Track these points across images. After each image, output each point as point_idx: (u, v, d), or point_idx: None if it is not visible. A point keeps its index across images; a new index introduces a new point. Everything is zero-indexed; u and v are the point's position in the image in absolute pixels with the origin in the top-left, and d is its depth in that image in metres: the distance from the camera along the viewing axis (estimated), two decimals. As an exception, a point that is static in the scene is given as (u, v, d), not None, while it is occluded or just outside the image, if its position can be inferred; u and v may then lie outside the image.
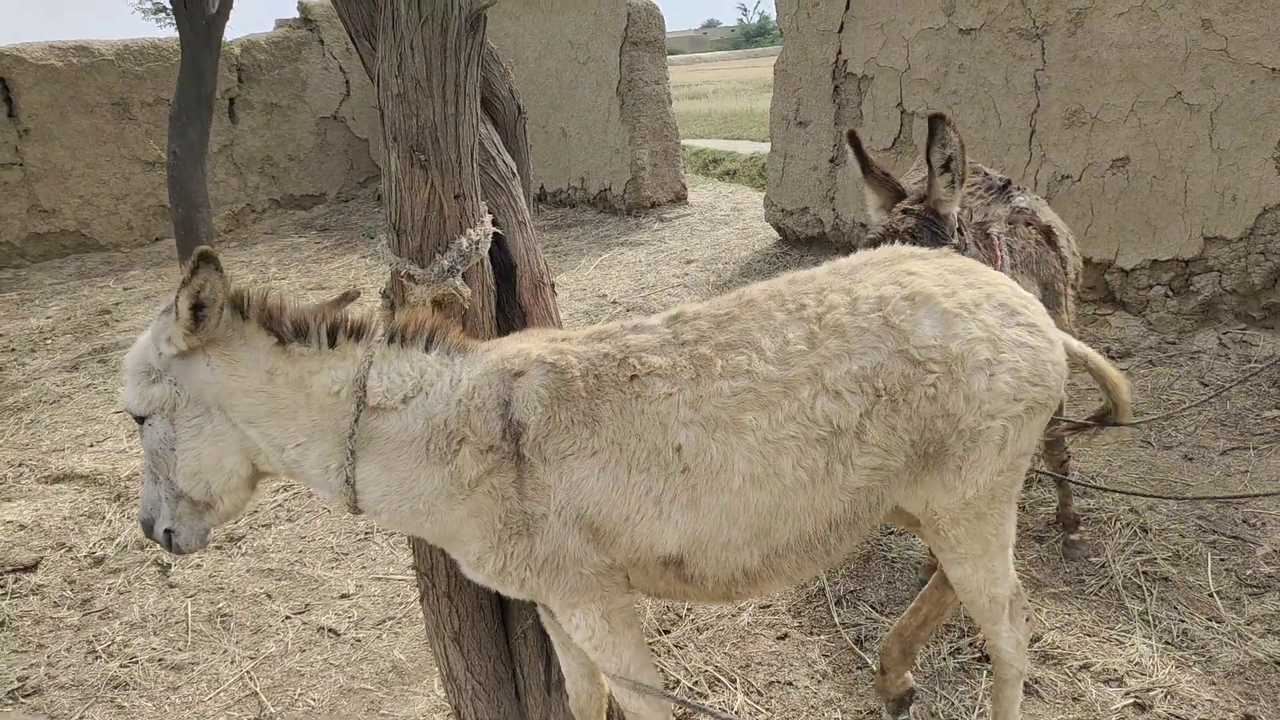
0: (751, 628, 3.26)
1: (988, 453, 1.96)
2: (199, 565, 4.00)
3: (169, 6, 7.84)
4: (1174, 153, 4.92)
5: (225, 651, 3.41)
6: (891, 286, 1.95)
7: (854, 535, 2.04)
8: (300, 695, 3.15)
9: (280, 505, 4.47)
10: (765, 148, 13.55)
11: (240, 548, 4.12)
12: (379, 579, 3.80)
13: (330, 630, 3.48)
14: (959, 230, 2.54)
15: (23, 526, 4.43)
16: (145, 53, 10.69)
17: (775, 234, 7.98)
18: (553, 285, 2.57)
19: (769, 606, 3.35)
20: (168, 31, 10.76)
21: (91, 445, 5.42)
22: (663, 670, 3.06)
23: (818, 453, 1.89)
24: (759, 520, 1.93)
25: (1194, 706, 2.66)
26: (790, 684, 2.96)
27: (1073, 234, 3.39)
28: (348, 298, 2.24)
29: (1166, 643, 2.92)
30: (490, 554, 1.98)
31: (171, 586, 3.86)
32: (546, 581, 1.99)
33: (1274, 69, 4.49)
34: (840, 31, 6.87)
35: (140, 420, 2.01)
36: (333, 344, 1.99)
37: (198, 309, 1.88)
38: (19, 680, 3.33)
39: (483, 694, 2.61)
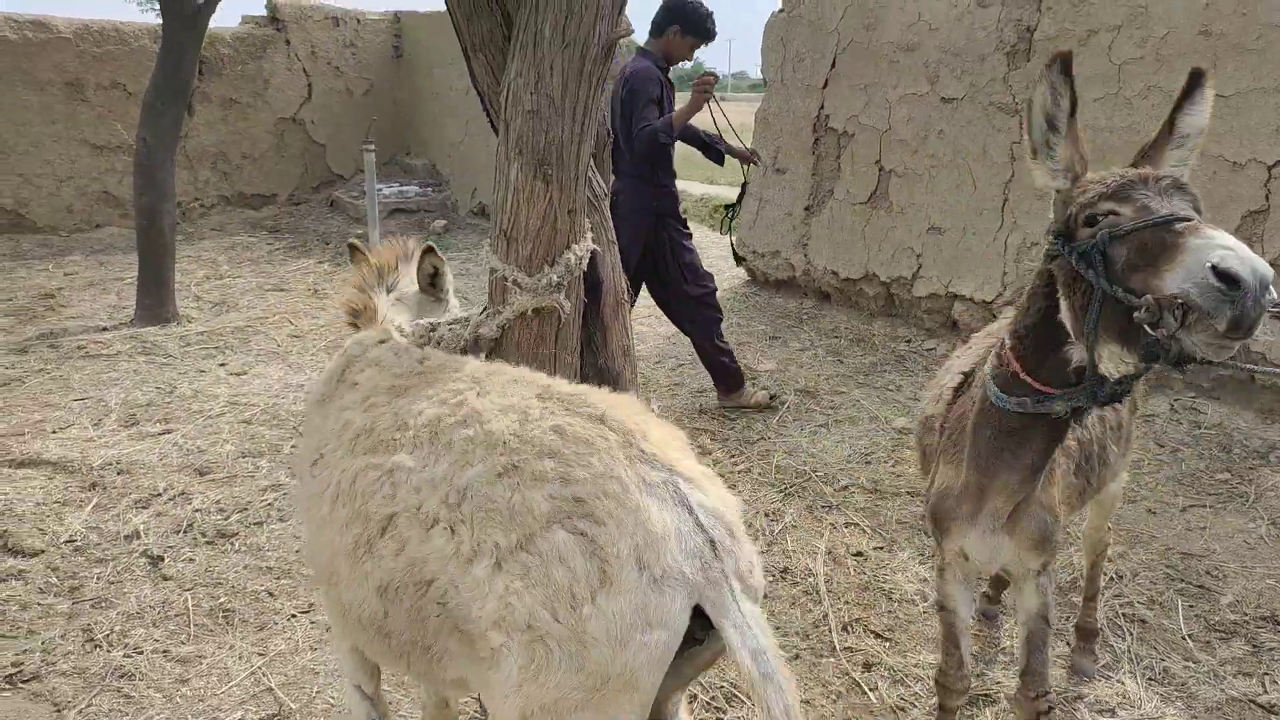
0: (763, 647, 3.38)
1: (506, 678, 1.50)
2: (192, 560, 3.92)
3: (155, -8, 7.69)
4: (1138, 230, 5.34)
5: (232, 647, 3.36)
6: (499, 414, 1.70)
7: (411, 661, 1.78)
8: (318, 693, 3.13)
9: (270, 505, 4.41)
10: (716, 190, 13.99)
11: (234, 544, 4.05)
12: (383, 583, 3.79)
13: (341, 631, 3.47)
14: None
15: (-9, 510, 4.27)
16: (106, 34, 10.39)
17: (744, 274, 8.23)
18: (629, 303, 2.69)
19: (779, 628, 3.49)
20: (134, 16, 10.49)
21: (54, 432, 5.23)
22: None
23: (354, 527, 1.78)
24: (325, 561, 1.94)
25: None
26: (808, 702, 3.10)
27: None
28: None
29: (1150, 679, 3.17)
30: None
31: (165, 579, 3.77)
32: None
33: (1234, 163, 4.95)
34: (824, 88, 7.21)
35: None
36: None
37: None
38: (14, 665, 3.21)
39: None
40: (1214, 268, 1.46)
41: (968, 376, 2.39)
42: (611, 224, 2.59)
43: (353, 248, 2.47)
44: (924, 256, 6.60)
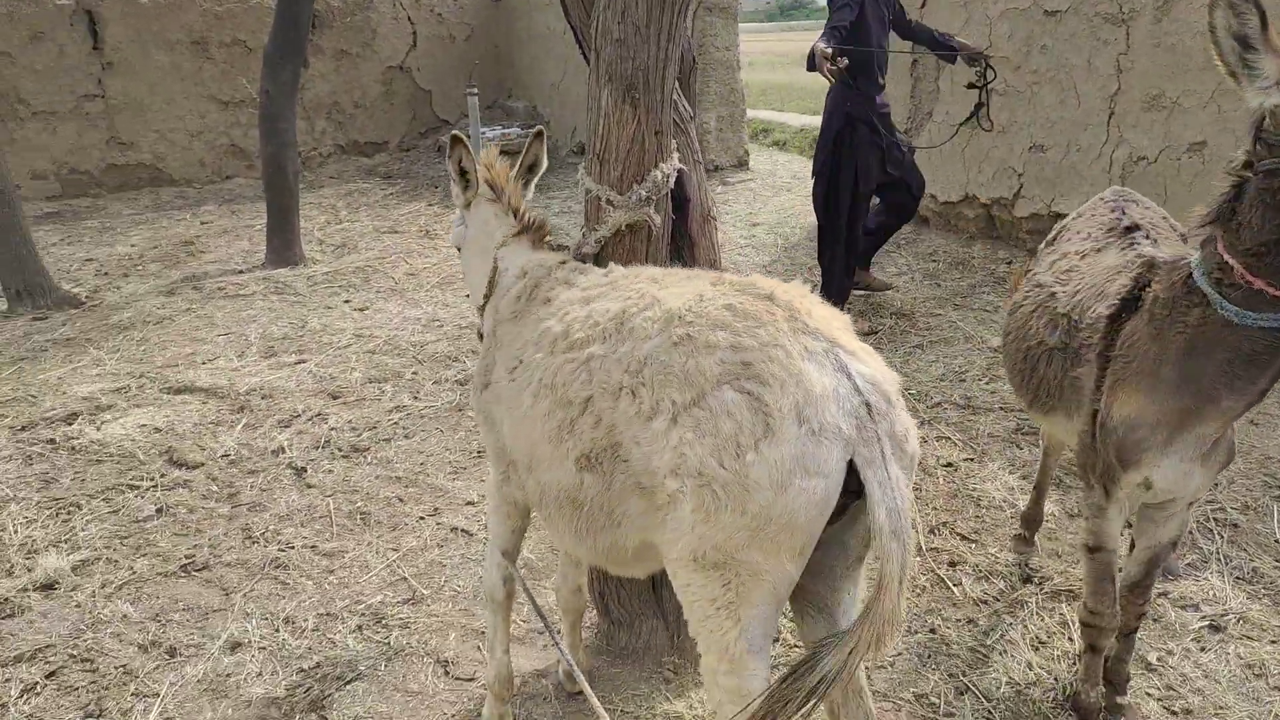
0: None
1: (681, 520, 1.70)
2: (330, 471, 4.36)
3: (270, -51, 8.09)
4: (1252, 139, 5.14)
5: (369, 544, 3.77)
6: (673, 299, 1.90)
7: (595, 530, 1.98)
8: (445, 582, 3.50)
9: (396, 424, 4.82)
10: (814, 120, 13.79)
11: (366, 458, 4.48)
12: (499, 491, 4.15)
13: (463, 530, 3.83)
14: None
15: (157, 429, 4.81)
16: (226, -7, 10.97)
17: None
18: (715, 220, 2.87)
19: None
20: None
21: (204, 363, 5.78)
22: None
23: (559, 413, 2.00)
24: (527, 450, 2.16)
25: (1264, 631, 2.97)
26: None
27: None
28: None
29: (1238, 578, 3.23)
30: (473, 391, 2.53)
31: (309, 487, 4.22)
32: (483, 432, 2.50)
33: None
34: (923, 7, 7.07)
35: (459, 249, 2.83)
36: (509, 214, 2.67)
37: (463, 174, 2.68)
38: (186, 558, 3.70)
39: (626, 582, 2.95)
40: None
41: (1127, 302, 2.32)
42: (697, 145, 2.76)
43: (456, 138, 2.66)
44: (1025, 176, 6.49)
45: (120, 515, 4.00)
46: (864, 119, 5.54)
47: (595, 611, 3.19)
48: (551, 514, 2.12)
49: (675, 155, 2.57)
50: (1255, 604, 3.09)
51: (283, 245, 8.07)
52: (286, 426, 4.84)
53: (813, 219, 8.38)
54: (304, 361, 5.75)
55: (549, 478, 2.07)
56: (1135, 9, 5.62)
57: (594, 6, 2.44)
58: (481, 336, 2.68)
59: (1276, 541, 3.40)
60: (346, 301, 7.02)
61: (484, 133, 11.04)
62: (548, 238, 2.66)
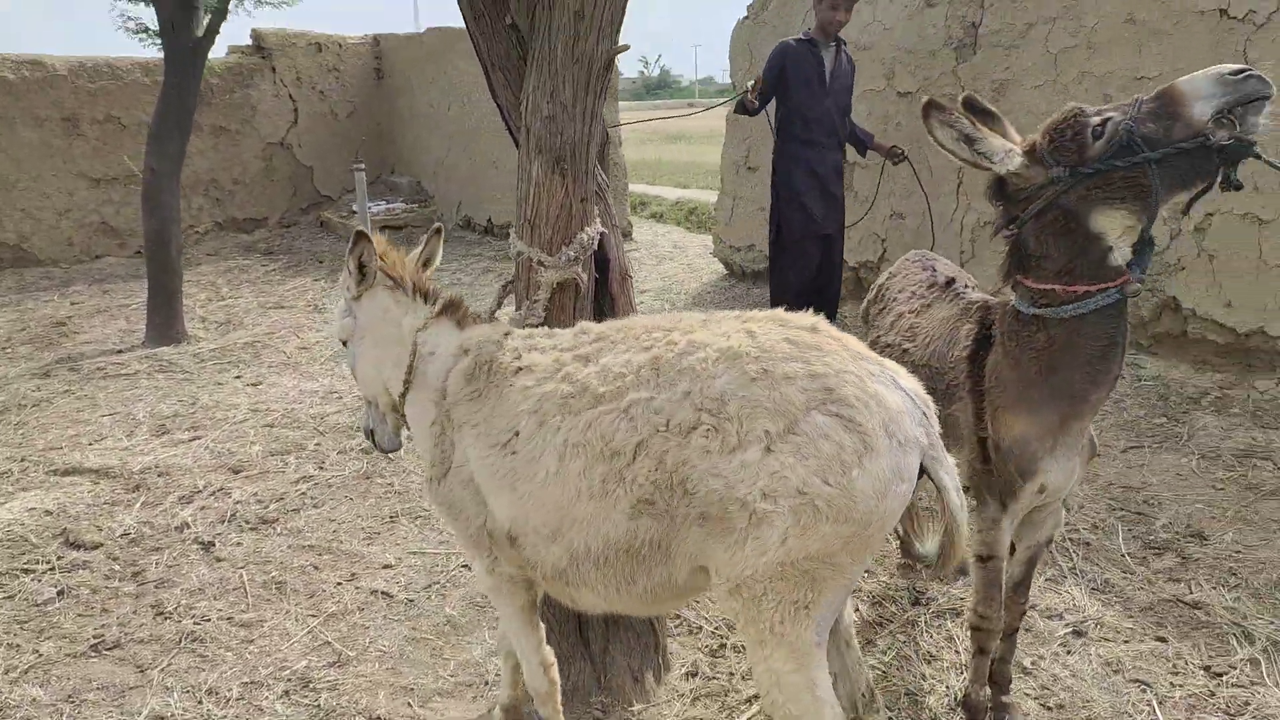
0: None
1: (769, 538, 1.85)
2: (239, 544, 4.33)
3: (153, 28, 8.09)
4: (1079, 205, 5.85)
5: (288, 612, 3.78)
6: (720, 338, 2.01)
7: (646, 573, 2.09)
8: (370, 644, 3.55)
9: (304, 494, 4.83)
10: (689, 193, 14.53)
11: (275, 529, 4.47)
12: (415, 553, 4.22)
13: (383, 593, 3.89)
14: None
15: (48, 512, 4.67)
16: (99, 70, 10.81)
17: (722, 268, 8.71)
18: (631, 279, 3.15)
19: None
20: (133, 49, 10.91)
21: (90, 444, 5.62)
22: (683, 618, 3.60)
23: (600, 467, 2.03)
24: (554, 516, 2.14)
25: (1118, 632, 3.38)
26: (799, 624, 3.55)
27: None
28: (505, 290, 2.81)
29: (1093, 589, 3.65)
30: (429, 483, 2.49)
31: (219, 560, 4.19)
32: (451, 522, 2.47)
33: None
34: (789, 89, 7.69)
35: (344, 344, 2.72)
36: (424, 299, 2.61)
37: (362, 268, 2.57)
38: (95, 637, 3.61)
39: (555, 625, 3.10)
40: (1219, 75, 2.06)
41: (979, 341, 2.65)
42: (613, 211, 3.04)
43: (361, 234, 2.57)
44: (888, 241, 7.09)
45: (17, 600, 3.87)
46: (801, 166, 5.88)
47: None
48: (586, 573, 2.14)
49: (598, 220, 2.83)
50: (1109, 610, 3.50)
51: (165, 323, 7.91)
52: (188, 502, 4.77)
53: (694, 285, 8.86)
54: (199, 438, 5.66)
55: (588, 535, 2.09)
56: (976, 90, 6.32)
57: (523, 88, 2.71)
58: (406, 424, 2.63)
59: (1123, 556, 3.86)
60: (237, 377, 6.95)
61: (370, 208, 11.13)
62: (469, 313, 2.67)
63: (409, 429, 2.67)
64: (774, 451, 1.83)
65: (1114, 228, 2.26)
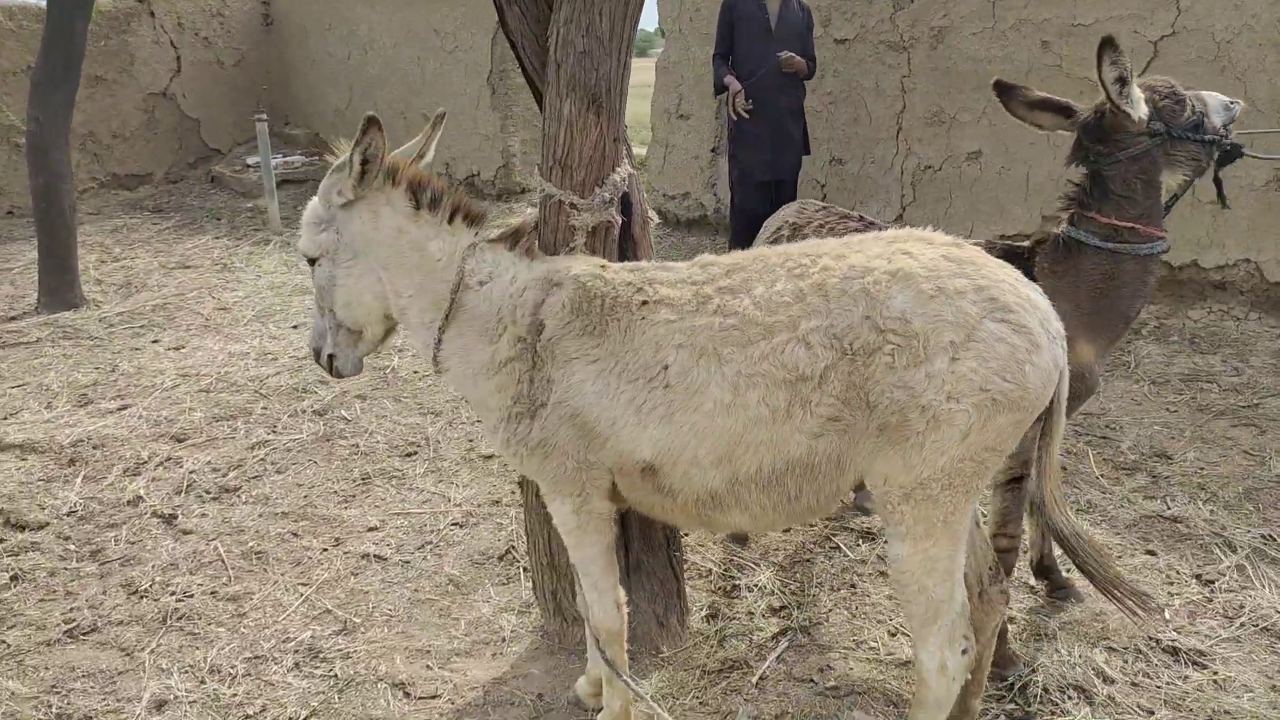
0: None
1: (949, 436, 2.00)
2: (204, 515, 4.06)
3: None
4: (1018, 148, 6.04)
5: (276, 582, 3.57)
6: (881, 260, 2.09)
7: (815, 489, 2.18)
8: (374, 609, 3.40)
9: (262, 460, 4.56)
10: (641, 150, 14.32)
11: (240, 497, 4.21)
12: (400, 514, 4.05)
13: (376, 556, 3.72)
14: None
15: (-25, 493, 4.26)
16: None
17: (656, 216, 8.62)
18: (650, 222, 3.05)
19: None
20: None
21: (5, 418, 5.15)
22: (691, 563, 3.58)
23: (782, 393, 2.08)
24: (724, 444, 2.16)
25: (1110, 548, 3.55)
26: (809, 560, 3.59)
27: None
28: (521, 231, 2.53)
29: (1077, 509, 3.82)
30: (501, 425, 2.37)
31: (186, 533, 3.91)
32: (537, 463, 2.37)
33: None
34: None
35: (311, 262, 2.47)
36: (450, 221, 2.42)
37: (366, 164, 2.30)
38: (66, 622, 3.33)
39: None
40: (1224, 102, 2.76)
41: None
42: (633, 154, 2.92)
43: (372, 119, 2.26)
44: (828, 186, 7.17)
45: (-36, 588, 3.52)
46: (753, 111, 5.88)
47: (542, 615, 3.24)
48: (744, 494, 2.20)
49: (628, 161, 2.72)
50: (1096, 529, 3.66)
51: (61, 287, 7.29)
52: (135, 475, 4.43)
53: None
54: (128, 406, 5.26)
55: (764, 458, 2.14)
56: (915, 37, 6.42)
57: (551, 21, 2.56)
58: (437, 362, 2.43)
59: (1098, 478, 4.04)
60: (154, 341, 6.48)
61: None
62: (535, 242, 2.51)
63: (436, 367, 2.44)
64: (959, 359, 1.98)
65: (1172, 186, 2.77)
